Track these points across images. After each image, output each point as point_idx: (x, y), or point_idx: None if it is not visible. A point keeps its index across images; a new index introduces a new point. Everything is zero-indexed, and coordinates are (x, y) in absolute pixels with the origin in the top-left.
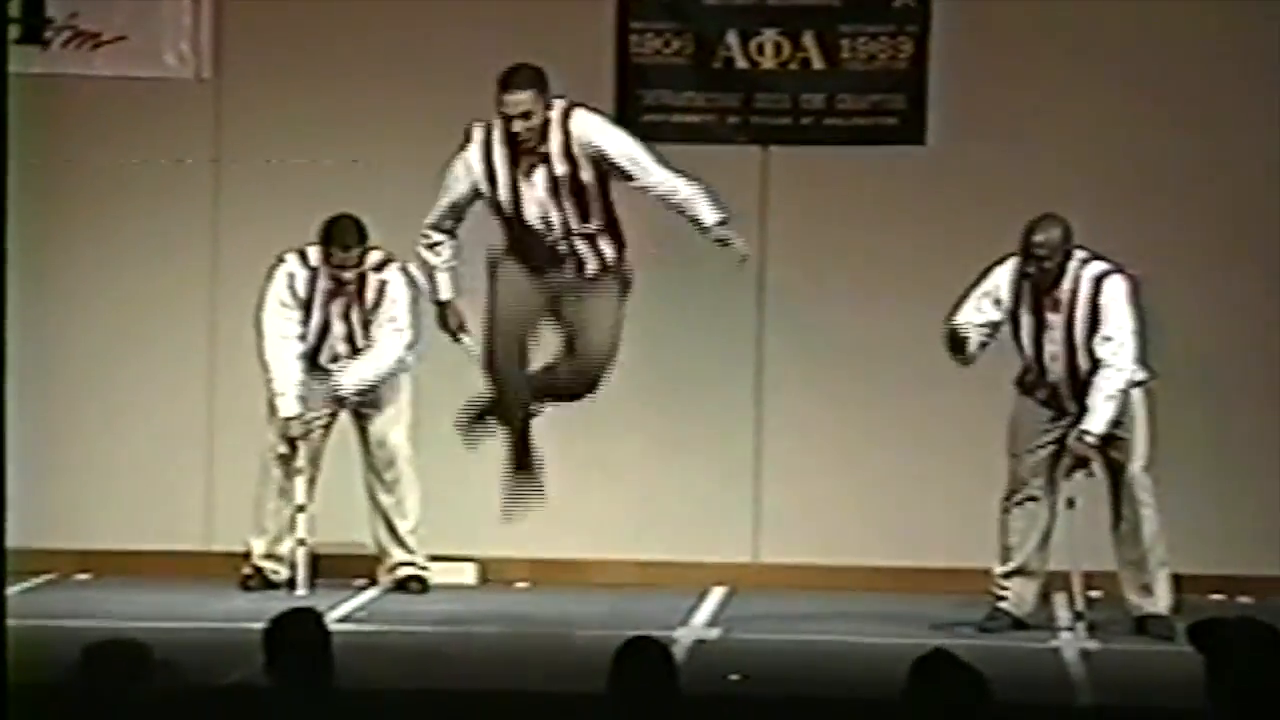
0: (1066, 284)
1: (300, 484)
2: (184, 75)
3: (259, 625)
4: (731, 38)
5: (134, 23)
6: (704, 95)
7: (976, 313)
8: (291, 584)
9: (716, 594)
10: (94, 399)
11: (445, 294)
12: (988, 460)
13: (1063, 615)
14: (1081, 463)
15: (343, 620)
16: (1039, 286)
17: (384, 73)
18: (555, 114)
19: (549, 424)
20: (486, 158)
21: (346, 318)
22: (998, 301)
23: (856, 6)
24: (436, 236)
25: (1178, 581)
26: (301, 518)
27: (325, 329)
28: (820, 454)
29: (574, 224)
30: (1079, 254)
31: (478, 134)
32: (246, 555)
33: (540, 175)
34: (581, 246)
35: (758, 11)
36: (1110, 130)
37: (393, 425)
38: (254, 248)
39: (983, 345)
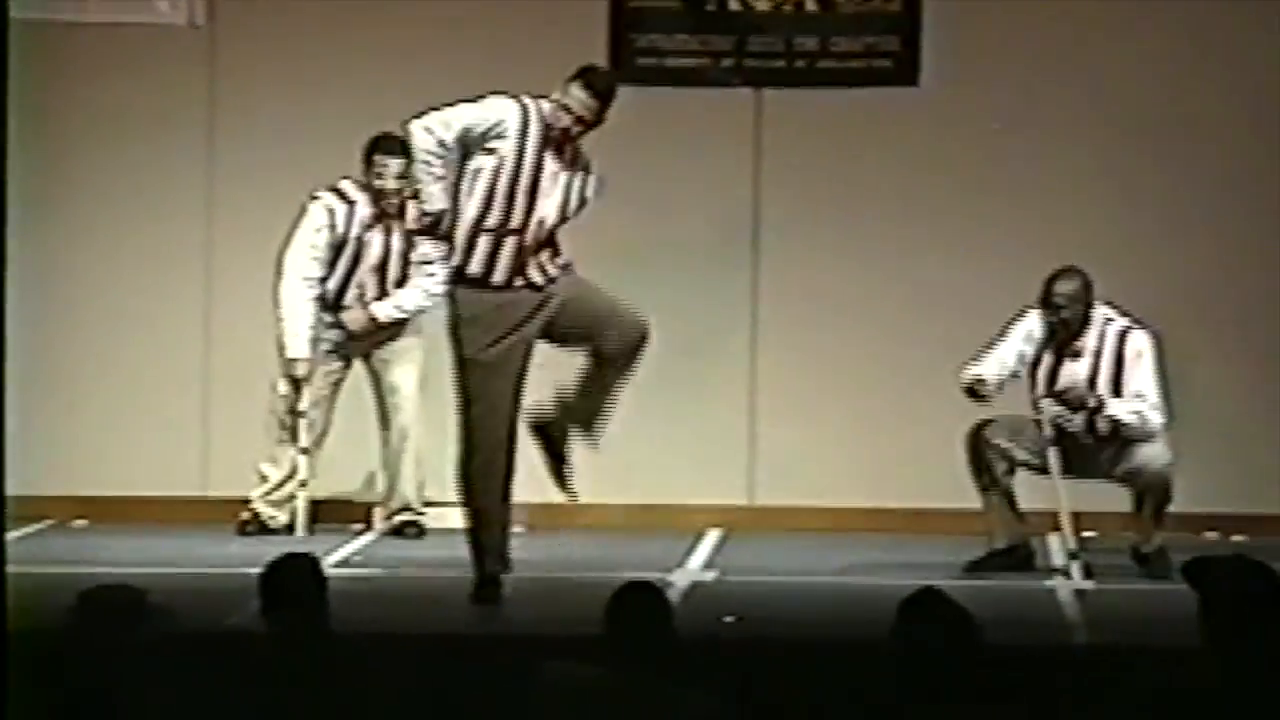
0: (1090, 337)
1: (304, 426)
2: (177, 21)
3: (255, 570)
4: None
5: None
6: (697, 38)
7: (998, 365)
8: (290, 528)
9: (712, 536)
10: (89, 346)
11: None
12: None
13: (1057, 555)
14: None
15: (339, 565)
16: (1059, 335)
17: (380, 21)
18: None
19: (544, 369)
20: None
21: (386, 246)
22: (1020, 354)
23: None
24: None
25: (1174, 519)
26: (304, 460)
27: (355, 264)
28: (815, 397)
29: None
30: (1104, 309)
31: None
32: (245, 501)
33: None
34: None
35: None
36: (1107, 71)
37: (406, 374)
38: (250, 196)
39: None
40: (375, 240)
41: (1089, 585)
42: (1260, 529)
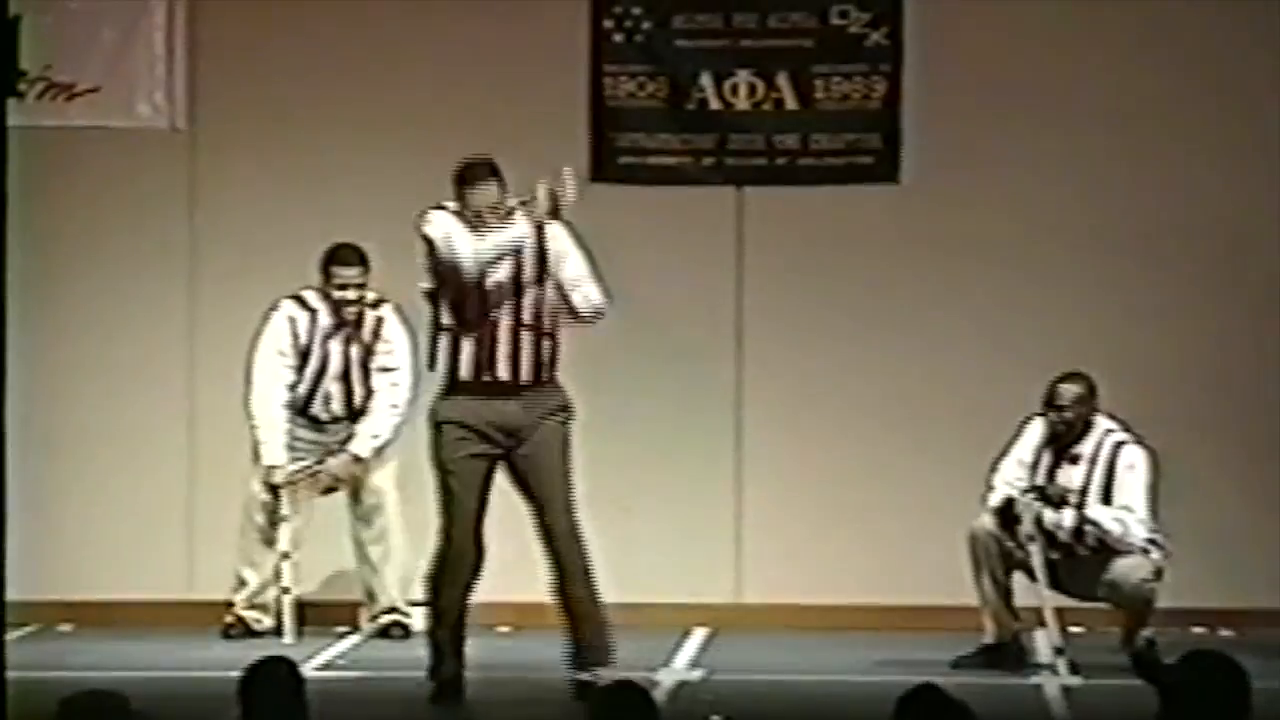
0: (1088, 444)
1: (285, 531)
2: (159, 125)
3: (237, 674)
4: (705, 79)
5: (108, 74)
6: (679, 137)
7: (1019, 479)
8: (278, 631)
9: (698, 635)
10: (72, 450)
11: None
12: (969, 498)
13: (1043, 651)
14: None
15: (324, 667)
16: (1060, 437)
17: (360, 124)
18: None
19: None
20: None
21: (345, 356)
22: (1034, 464)
23: (829, 47)
24: None
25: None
26: (286, 566)
27: (321, 373)
28: (801, 494)
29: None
30: (1105, 420)
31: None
32: (229, 604)
33: None
34: None
35: (731, 53)
36: (1085, 168)
37: (380, 472)
38: (231, 297)
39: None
40: (335, 349)
41: (1075, 681)
42: (1246, 622)
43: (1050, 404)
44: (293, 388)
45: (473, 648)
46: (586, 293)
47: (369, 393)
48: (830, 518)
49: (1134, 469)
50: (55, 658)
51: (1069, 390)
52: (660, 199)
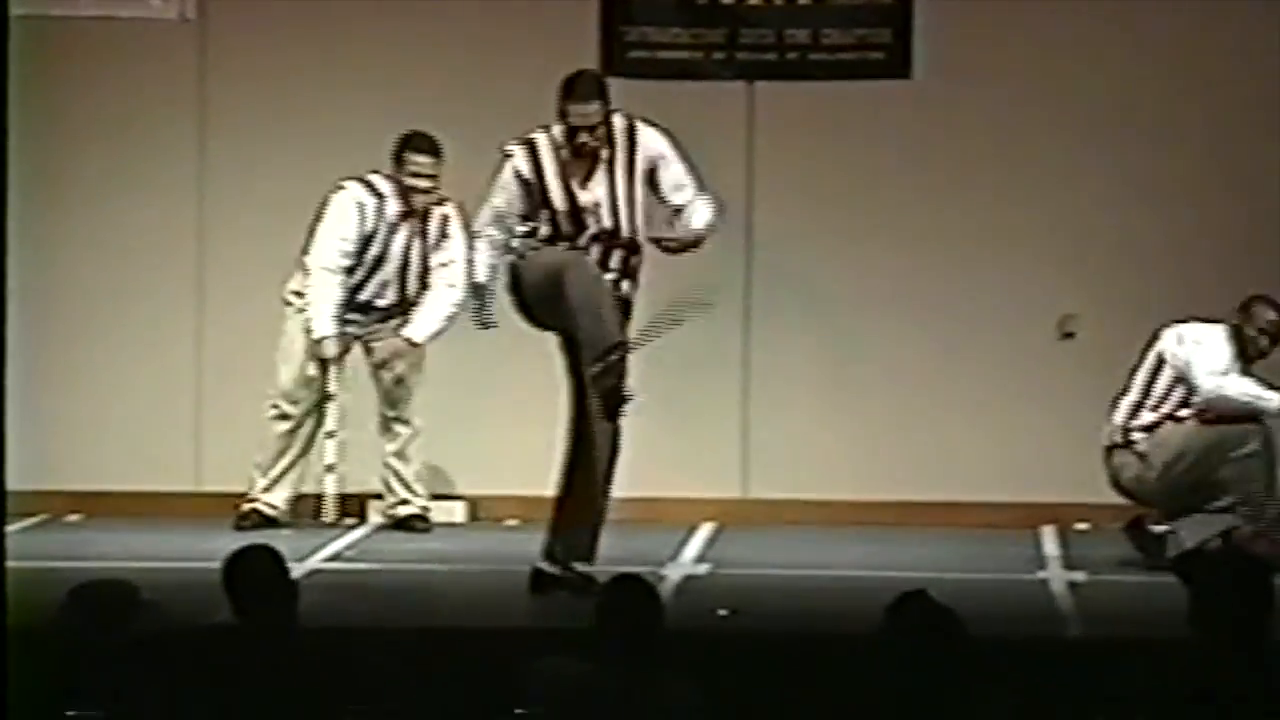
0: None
1: (331, 410)
2: (168, 15)
3: None
4: None
5: None
6: (689, 31)
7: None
8: (317, 512)
9: (705, 530)
10: (81, 341)
11: (483, 276)
12: (974, 395)
13: (1050, 548)
14: None
15: (332, 559)
16: (1248, 356)
17: (372, 14)
18: (619, 124)
19: (536, 365)
20: (537, 166)
21: (407, 247)
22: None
23: None
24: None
25: None
26: (330, 445)
27: (380, 260)
28: (807, 390)
29: (623, 232)
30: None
31: (536, 140)
32: (242, 494)
33: (600, 184)
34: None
35: None
36: (1099, 60)
37: (411, 365)
38: (241, 190)
39: None
40: (399, 239)
41: (1081, 577)
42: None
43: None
44: (350, 271)
45: (479, 540)
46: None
47: (423, 287)
48: (837, 414)
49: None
50: (63, 547)
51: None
52: (670, 93)
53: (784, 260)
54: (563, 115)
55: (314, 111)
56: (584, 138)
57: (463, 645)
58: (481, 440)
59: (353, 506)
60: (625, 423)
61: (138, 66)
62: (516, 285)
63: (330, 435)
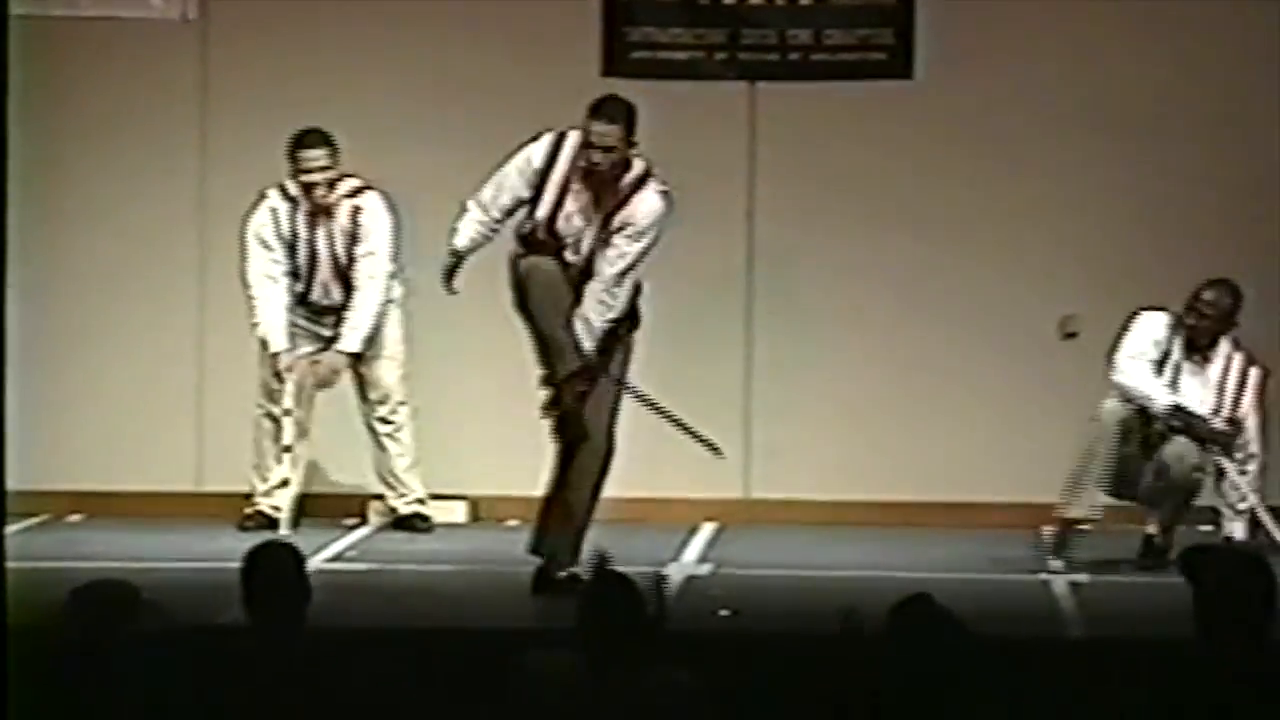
0: (1219, 355)
1: (288, 425)
2: (170, 15)
3: None
4: None
5: None
6: (691, 32)
7: (1151, 371)
8: (274, 525)
9: (707, 530)
10: (83, 340)
11: (462, 244)
12: (979, 392)
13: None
14: None
15: (333, 559)
16: (1192, 341)
17: (374, 15)
18: (636, 169)
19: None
20: (553, 159)
21: (330, 243)
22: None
23: None
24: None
25: None
26: (287, 458)
27: (312, 260)
28: (810, 389)
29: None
30: (1231, 337)
31: (567, 136)
32: (248, 496)
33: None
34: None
35: None
36: (1100, 63)
37: (387, 367)
38: (242, 189)
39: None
40: (320, 237)
41: (1084, 578)
42: None
43: (1193, 307)
44: (290, 275)
45: (479, 540)
46: None
47: (349, 278)
48: (839, 413)
49: (1252, 389)
50: (64, 548)
51: (1216, 297)
52: (672, 93)
53: (785, 261)
54: (584, 130)
55: (315, 112)
56: (596, 156)
57: (463, 645)
58: (482, 440)
59: (352, 507)
60: (627, 422)
61: (139, 67)
62: (514, 281)
63: (287, 450)
